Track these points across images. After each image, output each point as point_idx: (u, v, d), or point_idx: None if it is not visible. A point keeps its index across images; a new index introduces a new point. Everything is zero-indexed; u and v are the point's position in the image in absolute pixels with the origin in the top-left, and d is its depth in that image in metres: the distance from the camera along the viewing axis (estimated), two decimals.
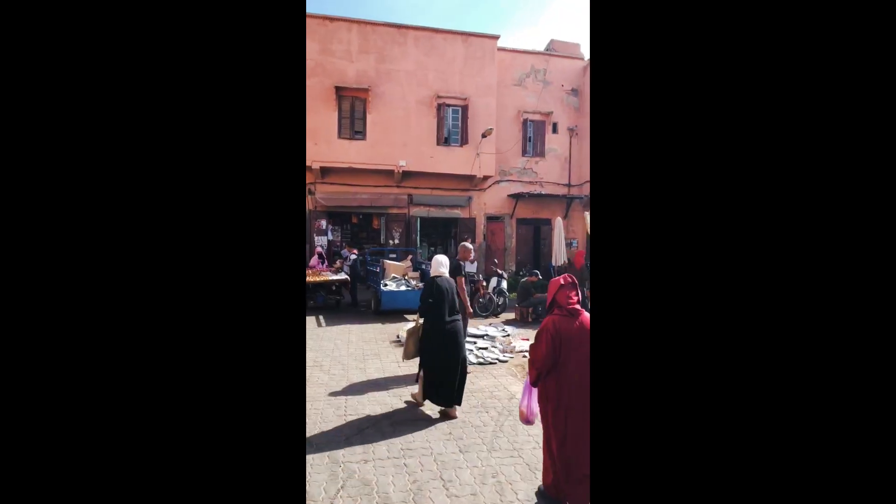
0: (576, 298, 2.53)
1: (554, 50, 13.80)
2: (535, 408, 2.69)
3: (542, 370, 2.49)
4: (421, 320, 4.06)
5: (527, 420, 2.74)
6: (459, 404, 3.92)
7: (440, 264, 4.13)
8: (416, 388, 4.21)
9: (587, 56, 13.67)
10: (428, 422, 3.73)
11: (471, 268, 10.47)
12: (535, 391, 2.68)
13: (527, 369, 2.69)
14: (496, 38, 12.29)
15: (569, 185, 13.53)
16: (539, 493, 2.69)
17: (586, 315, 2.51)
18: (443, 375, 3.82)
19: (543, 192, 13.00)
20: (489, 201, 13.02)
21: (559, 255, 10.66)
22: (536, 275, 8.86)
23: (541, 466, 2.83)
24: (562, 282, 2.57)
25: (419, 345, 4.06)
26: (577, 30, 62.34)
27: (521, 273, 11.97)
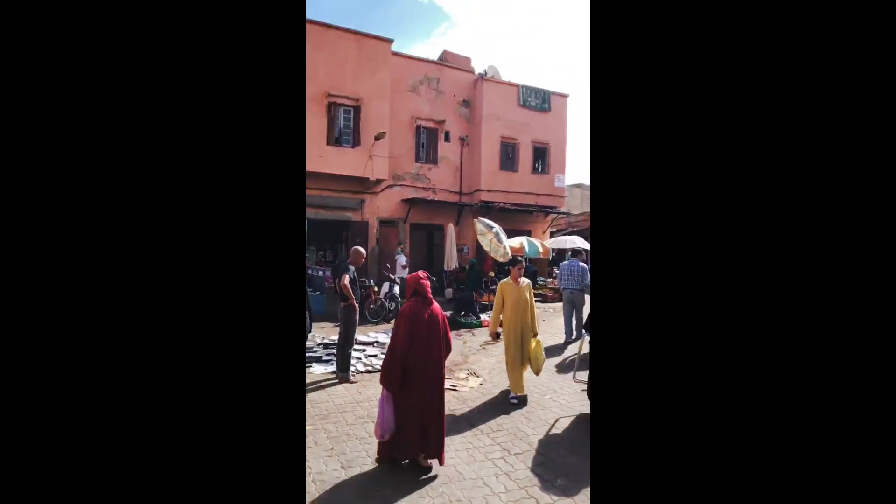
0: (429, 289, 3.13)
1: (447, 61, 14.19)
2: (390, 422, 2.87)
3: (405, 350, 2.85)
4: None
5: (381, 436, 2.88)
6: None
7: None
8: None
9: (478, 70, 14.32)
10: (308, 439, 3.44)
11: (401, 272, 10.17)
12: (387, 406, 2.87)
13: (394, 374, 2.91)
14: (390, 41, 12.22)
15: (460, 193, 13.97)
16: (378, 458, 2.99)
17: (437, 305, 3.11)
18: None
19: (436, 199, 13.23)
20: (382, 205, 12.84)
21: (451, 260, 10.91)
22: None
23: (425, 471, 2.86)
24: (421, 275, 3.16)
25: None
26: (469, 45, 65.41)
27: None
